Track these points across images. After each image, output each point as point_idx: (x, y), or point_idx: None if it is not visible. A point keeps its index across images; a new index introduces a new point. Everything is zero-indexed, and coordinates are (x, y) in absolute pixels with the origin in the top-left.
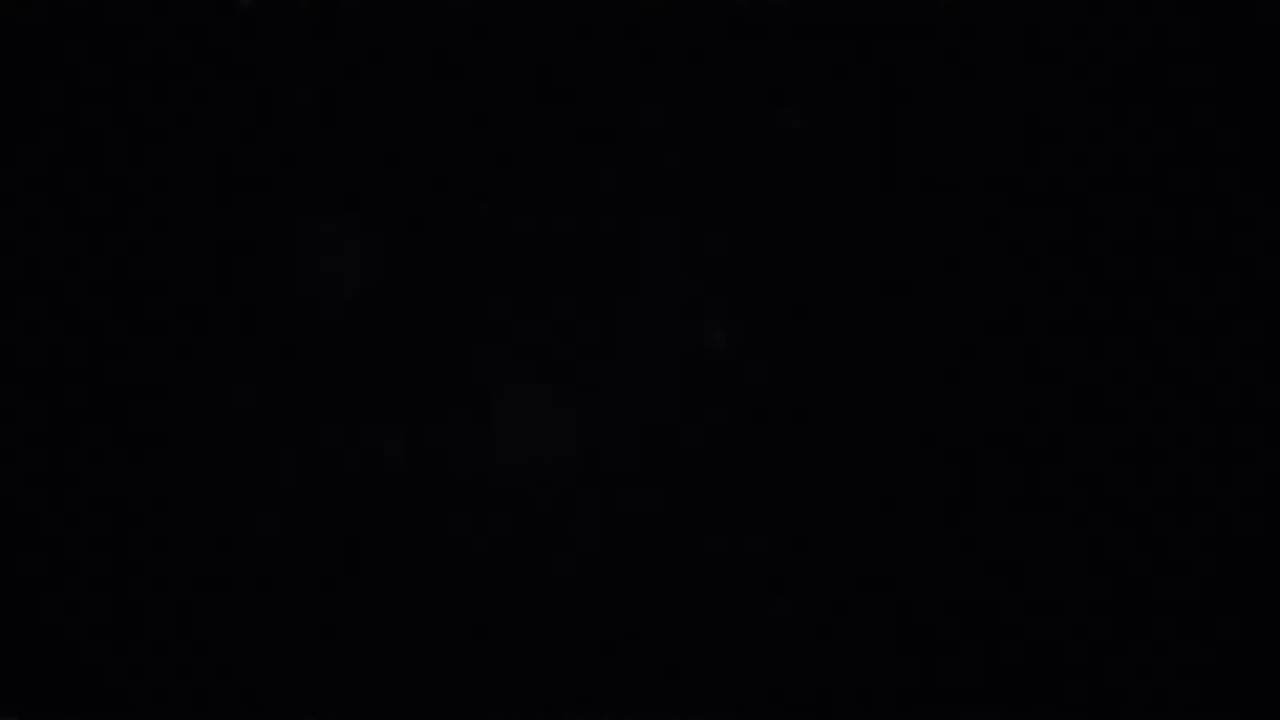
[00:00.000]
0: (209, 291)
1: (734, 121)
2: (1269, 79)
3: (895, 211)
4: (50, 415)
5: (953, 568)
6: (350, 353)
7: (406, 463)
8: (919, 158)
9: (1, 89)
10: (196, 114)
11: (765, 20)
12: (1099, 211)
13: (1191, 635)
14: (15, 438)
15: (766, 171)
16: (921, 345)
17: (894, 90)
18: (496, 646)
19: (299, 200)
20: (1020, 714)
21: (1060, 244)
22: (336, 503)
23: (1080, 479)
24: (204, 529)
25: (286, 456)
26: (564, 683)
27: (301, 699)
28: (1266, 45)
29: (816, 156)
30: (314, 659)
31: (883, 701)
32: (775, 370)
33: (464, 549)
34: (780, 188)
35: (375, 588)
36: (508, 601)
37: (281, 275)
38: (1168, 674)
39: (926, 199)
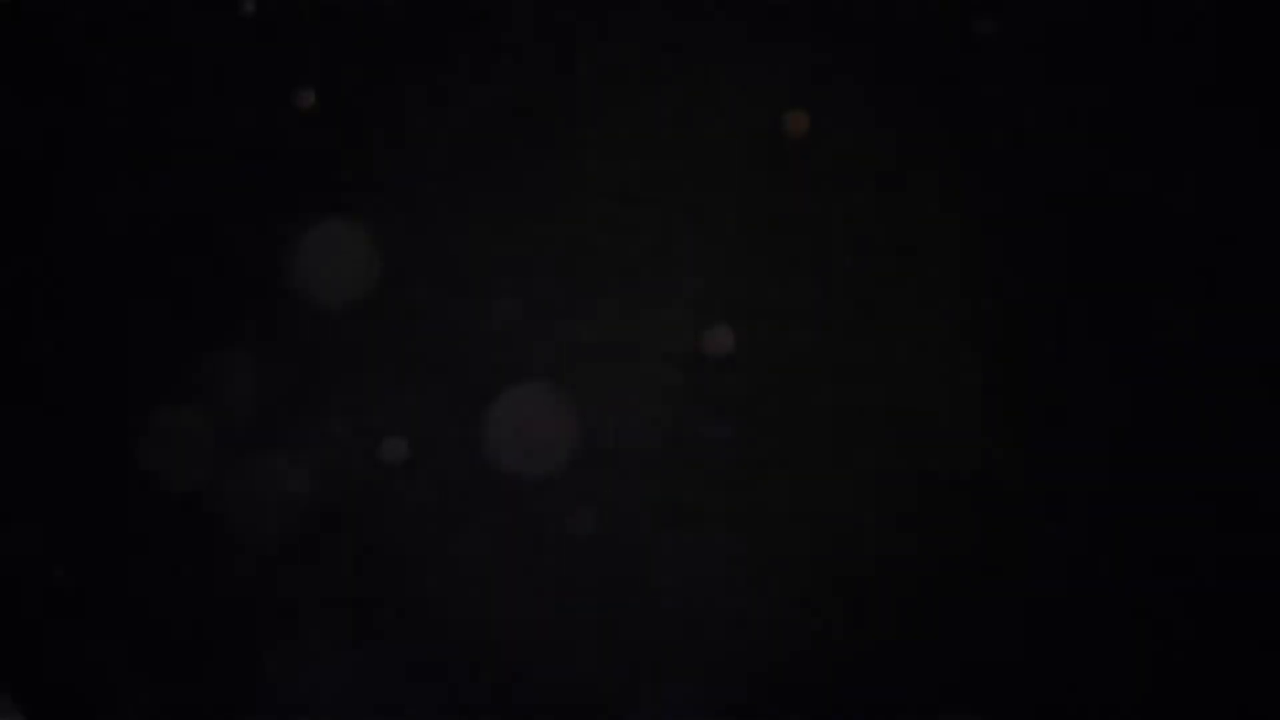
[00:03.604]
0: (208, 291)
1: (737, 121)
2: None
3: (897, 212)
4: (49, 414)
5: (952, 567)
6: (349, 353)
7: (406, 463)
8: (921, 158)
9: (2, 90)
10: (199, 118)
11: (769, 18)
12: (1103, 213)
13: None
14: (14, 437)
15: (771, 171)
16: (922, 344)
17: (898, 91)
18: (495, 647)
19: (300, 202)
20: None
21: (1064, 246)
22: (336, 503)
23: (1081, 480)
24: (202, 528)
25: (284, 456)
26: (564, 683)
27: (301, 699)
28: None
29: (820, 158)
30: (313, 660)
31: (881, 701)
32: (777, 371)
33: (462, 549)
34: (785, 188)
35: (374, 588)
36: (506, 601)
37: (281, 275)
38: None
39: (928, 199)
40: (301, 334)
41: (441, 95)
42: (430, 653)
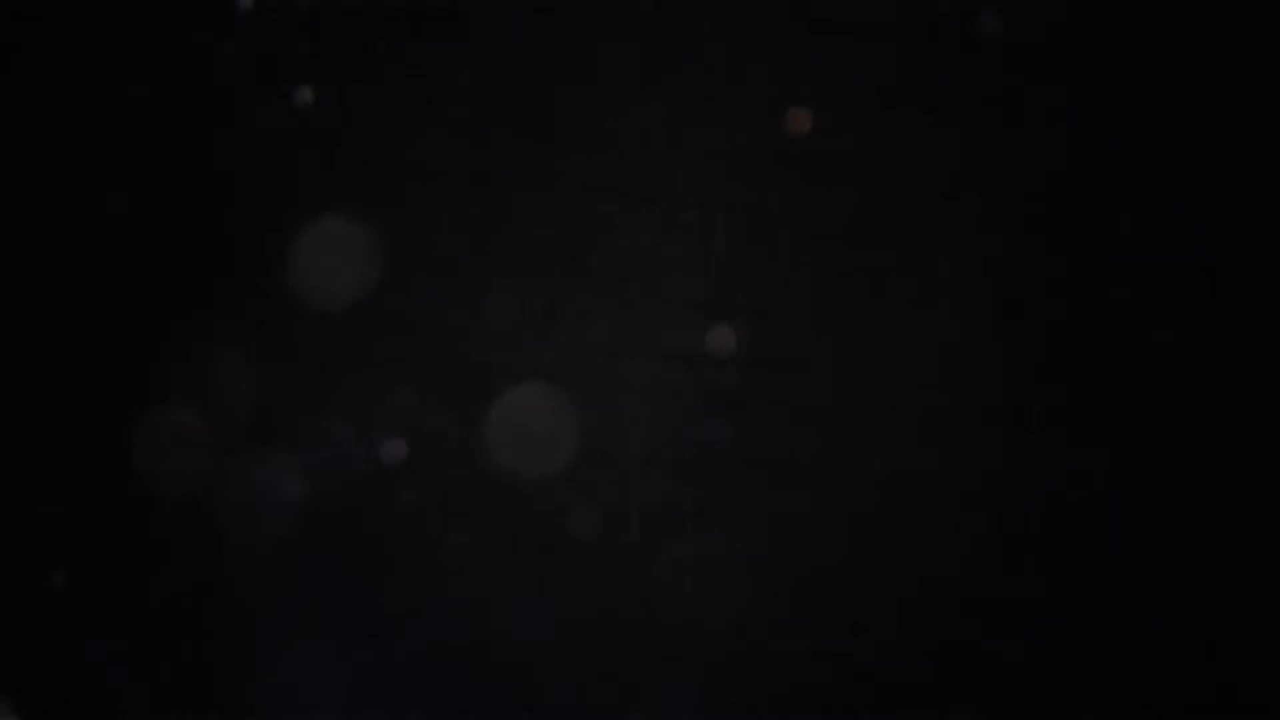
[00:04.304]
0: (208, 291)
1: (738, 120)
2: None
3: (898, 212)
4: (49, 416)
5: (951, 568)
6: (349, 353)
7: (406, 463)
8: (922, 157)
9: (2, 88)
10: (198, 117)
11: (769, 18)
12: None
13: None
14: (13, 436)
15: (772, 170)
16: (923, 344)
17: (897, 91)
18: (495, 648)
19: (299, 198)
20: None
21: (1065, 246)
22: (336, 502)
23: (1081, 480)
24: (201, 530)
25: (284, 457)
26: (564, 682)
27: (301, 699)
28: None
29: (820, 157)
30: (313, 660)
31: (881, 701)
32: (777, 371)
33: (462, 549)
34: (785, 187)
35: (374, 588)
36: (506, 601)
37: (281, 273)
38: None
39: (928, 199)
40: (301, 334)
41: (441, 95)
42: (430, 653)
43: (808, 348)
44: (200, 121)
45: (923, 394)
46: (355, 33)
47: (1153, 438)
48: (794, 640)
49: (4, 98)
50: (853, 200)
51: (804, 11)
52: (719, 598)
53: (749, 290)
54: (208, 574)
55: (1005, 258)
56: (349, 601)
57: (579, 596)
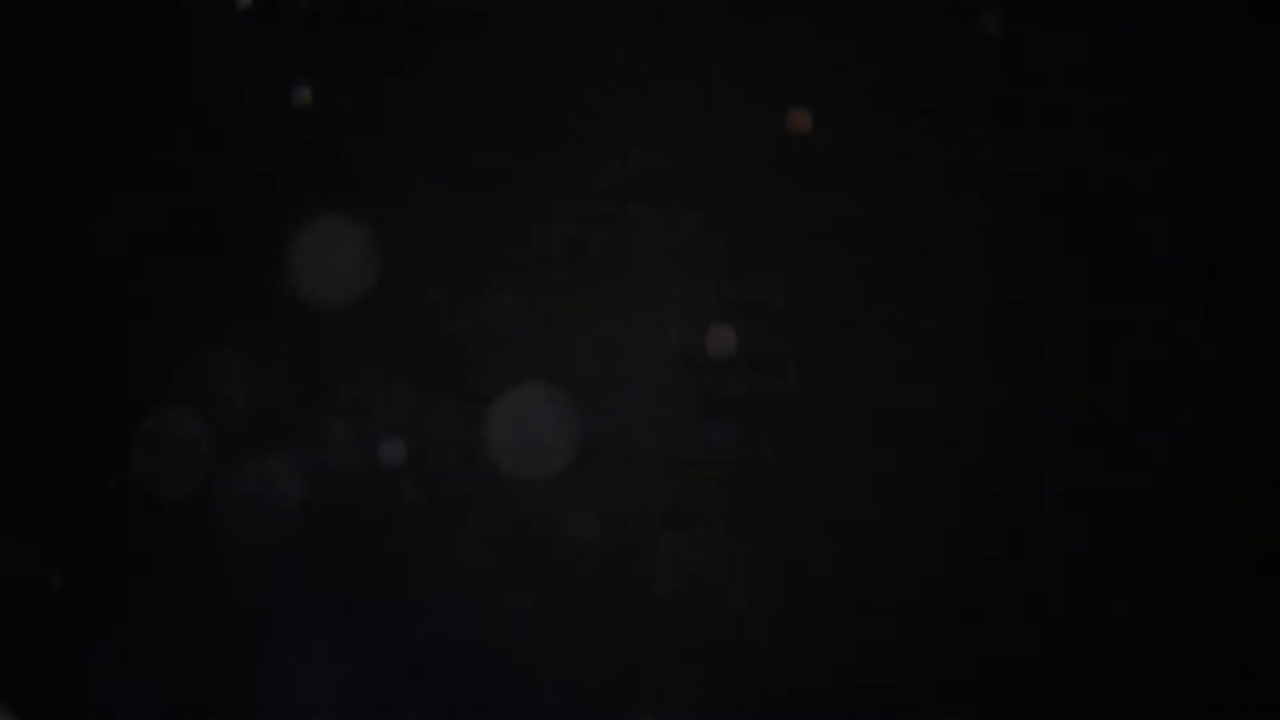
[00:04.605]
0: (207, 290)
1: (738, 120)
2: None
3: (898, 212)
4: (47, 417)
5: (951, 567)
6: (349, 353)
7: (405, 464)
8: (923, 157)
9: (2, 87)
10: (197, 117)
11: (763, 20)
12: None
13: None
14: (13, 436)
15: (773, 170)
16: (921, 344)
17: (893, 91)
18: (495, 648)
19: (299, 198)
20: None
21: (1066, 247)
22: (336, 503)
23: (1082, 480)
24: (200, 530)
25: (283, 458)
26: (562, 682)
27: (300, 699)
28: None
29: (821, 157)
30: (312, 660)
31: (881, 701)
32: (776, 371)
33: (462, 550)
34: (786, 188)
35: (374, 588)
36: (506, 602)
37: (281, 273)
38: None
39: (928, 200)
40: (301, 334)
41: (443, 95)
42: (430, 653)
43: (808, 348)
44: (200, 121)
45: (923, 394)
46: (355, 33)
47: (1153, 438)
48: (794, 640)
49: (4, 99)
50: (852, 201)
51: (804, 12)
52: (719, 598)
53: (749, 290)
54: (208, 574)
55: (1005, 258)
56: (349, 601)
57: (579, 596)
